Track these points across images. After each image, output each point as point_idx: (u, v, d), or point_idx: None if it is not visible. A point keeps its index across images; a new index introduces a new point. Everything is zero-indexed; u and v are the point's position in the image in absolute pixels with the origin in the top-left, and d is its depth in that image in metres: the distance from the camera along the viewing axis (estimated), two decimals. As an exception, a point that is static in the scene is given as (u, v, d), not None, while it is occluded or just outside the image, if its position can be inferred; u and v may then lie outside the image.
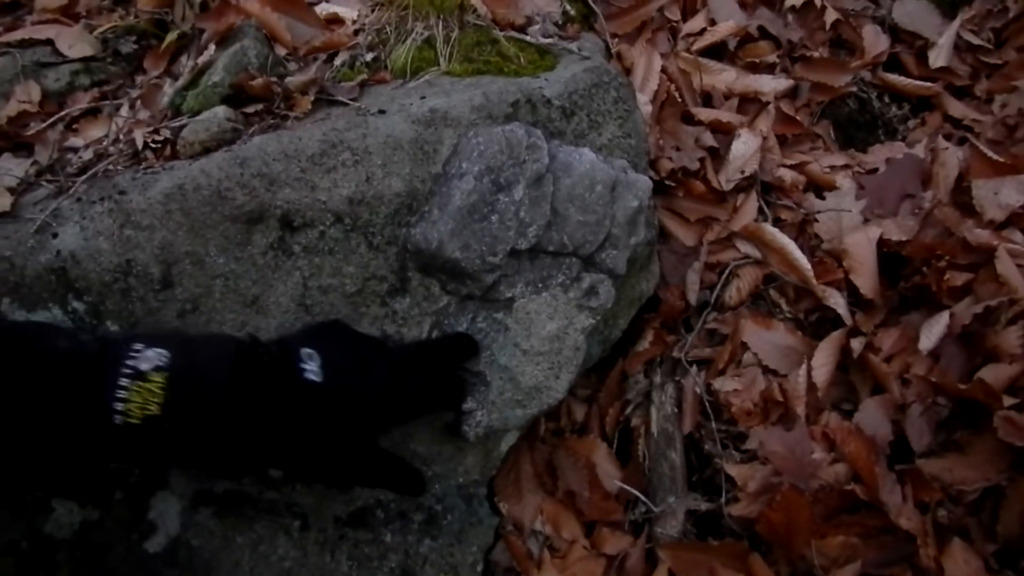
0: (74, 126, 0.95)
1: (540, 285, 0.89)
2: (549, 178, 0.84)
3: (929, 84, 1.30)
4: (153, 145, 0.90)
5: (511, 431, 0.96)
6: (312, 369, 0.71)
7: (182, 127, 0.88)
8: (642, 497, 0.97)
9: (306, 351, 0.73)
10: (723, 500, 0.92)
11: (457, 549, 0.95)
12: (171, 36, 1.00)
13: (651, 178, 0.95)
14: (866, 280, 1.05)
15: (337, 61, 0.98)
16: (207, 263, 0.81)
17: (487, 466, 0.97)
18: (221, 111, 0.87)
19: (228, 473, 0.76)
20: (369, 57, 0.98)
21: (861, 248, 1.07)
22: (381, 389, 0.74)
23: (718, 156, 1.16)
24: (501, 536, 0.99)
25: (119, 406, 0.62)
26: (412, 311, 0.88)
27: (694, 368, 1.04)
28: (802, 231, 1.13)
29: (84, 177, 0.83)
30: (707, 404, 1.00)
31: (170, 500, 0.86)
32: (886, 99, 1.32)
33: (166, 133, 0.90)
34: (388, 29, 0.98)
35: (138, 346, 0.64)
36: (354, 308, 0.87)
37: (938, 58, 1.32)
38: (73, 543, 0.81)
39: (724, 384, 1.01)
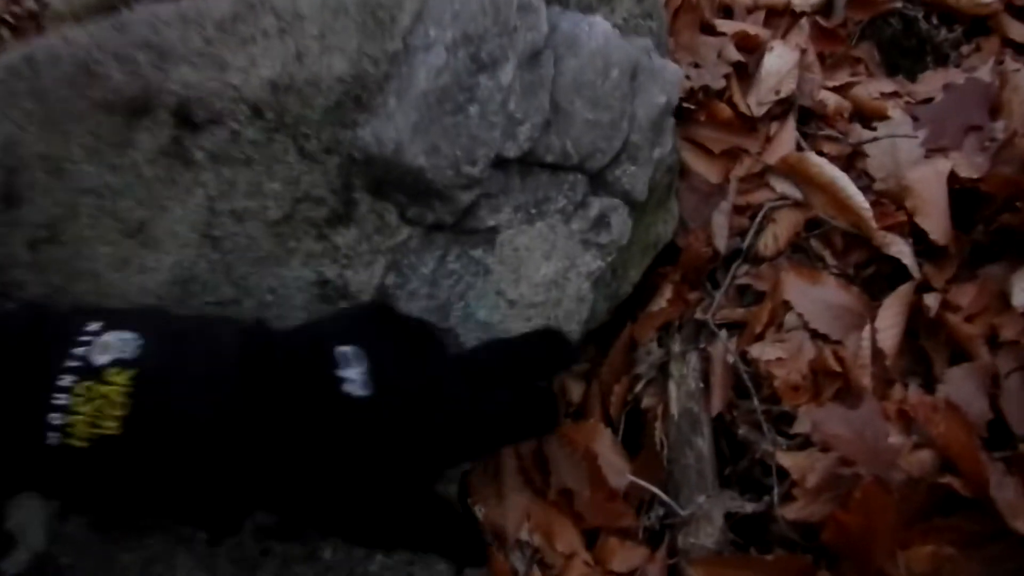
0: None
1: (534, 211, 0.66)
2: (549, 56, 0.61)
3: (986, 2, 1.09)
4: (11, 20, 0.67)
5: (492, 411, 0.73)
6: (355, 378, 0.50)
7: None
8: (662, 495, 0.75)
9: (346, 351, 0.51)
10: (773, 499, 0.70)
11: (419, 567, 0.73)
12: None
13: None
14: (937, 223, 0.84)
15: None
16: (69, 172, 0.60)
17: (460, 457, 0.75)
18: (98, -32, 0.64)
19: (209, 522, 0.51)
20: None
21: (928, 185, 0.86)
22: (456, 409, 0.52)
23: (745, 75, 0.95)
24: (478, 548, 0.77)
25: (56, 419, 0.42)
26: (360, 247, 0.66)
27: (723, 333, 0.82)
28: (849, 167, 0.91)
29: None
30: (745, 377, 0.77)
31: (32, 507, 0.68)
32: (934, 20, 1.12)
33: (29, 3, 0.67)
34: None
35: (92, 326, 0.46)
36: (279, 242, 0.65)
37: (997, -28, 1.12)
38: None
39: (763, 352, 0.79)
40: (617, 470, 0.79)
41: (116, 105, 0.58)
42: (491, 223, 0.65)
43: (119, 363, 0.44)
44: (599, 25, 0.63)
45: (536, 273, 0.67)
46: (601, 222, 0.68)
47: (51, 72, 0.57)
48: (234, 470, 0.46)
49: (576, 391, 0.87)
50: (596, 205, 0.67)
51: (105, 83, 0.57)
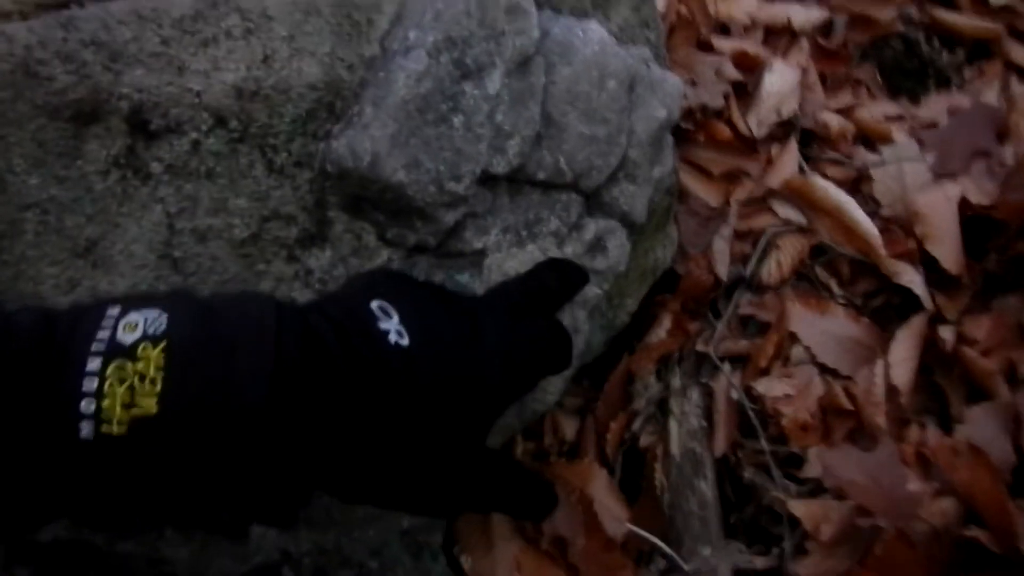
0: None
1: (524, 233, 0.60)
2: (540, 63, 0.56)
3: (988, 25, 1.06)
4: (-49, 21, 0.61)
5: (478, 451, 0.67)
6: (394, 328, 0.46)
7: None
8: (664, 547, 0.69)
9: (379, 304, 0.48)
10: (785, 553, 0.64)
11: None
12: None
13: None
14: (949, 251, 0.80)
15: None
16: (10, 184, 0.54)
17: (443, 502, 0.68)
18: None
19: (264, 514, 0.45)
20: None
21: (939, 210, 0.82)
22: (501, 349, 0.49)
23: (745, 95, 0.91)
24: (462, 603, 0.70)
25: (88, 406, 0.37)
26: (335, 270, 0.60)
27: (727, 366, 0.76)
28: (854, 192, 0.87)
29: None
30: (751, 415, 0.72)
31: None
32: (936, 42, 1.08)
33: (-29, 3, 0.61)
34: None
35: (112, 310, 0.41)
36: (247, 264, 0.59)
37: (1001, -7, 1.09)
38: None
39: (770, 388, 0.74)
40: (614, 516, 0.73)
41: (62, 110, 0.52)
42: (478, 246, 0.59)
43: (148, 339, 0.39)
44: (594, 31, 0.57)
45: (527, 301, 0.61)
46: (597, 246, 0.62)
47: (-12, 73, 0.51)
48: (288, 445, 0.41)
49: (570, 428, 0.80)
50: (592, 227, 0.62)
51: (49, 85, 0.51)
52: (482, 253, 0.59)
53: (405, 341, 0.46)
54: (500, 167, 0.56)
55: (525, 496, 0.54)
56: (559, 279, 0.59)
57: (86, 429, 0.36)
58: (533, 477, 0.56)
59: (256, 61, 0.55)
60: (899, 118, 0.97)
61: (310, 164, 0.57)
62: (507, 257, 0.60)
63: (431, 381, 0.46)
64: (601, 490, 0.75)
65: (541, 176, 0.58)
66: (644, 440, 0.77)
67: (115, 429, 0.37)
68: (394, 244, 0.59)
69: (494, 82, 0.54)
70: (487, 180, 0.57)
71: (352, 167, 0.54)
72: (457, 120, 0.54)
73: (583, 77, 0.57)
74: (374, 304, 0.47)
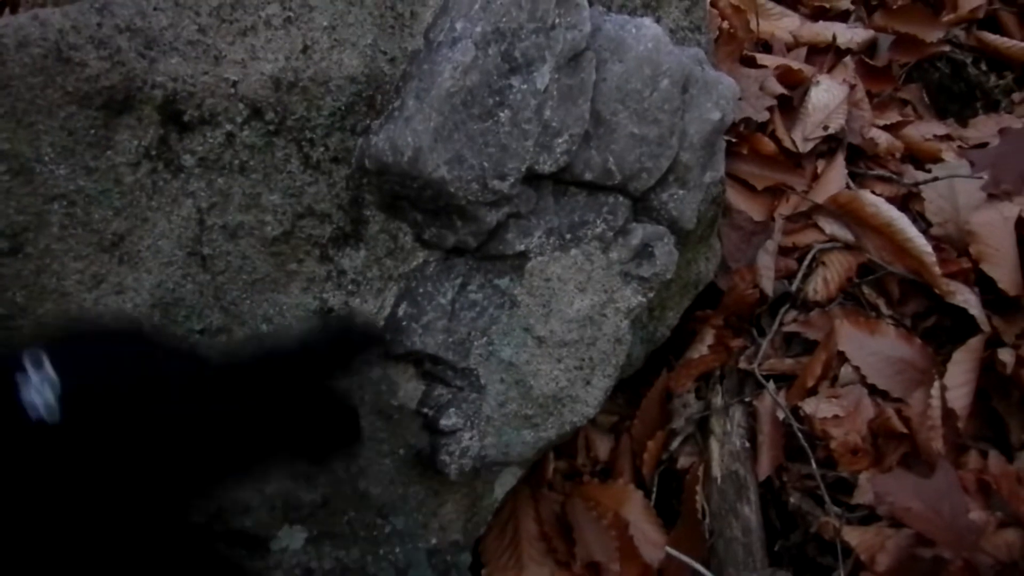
0: None
1: (568, 237, 0.58)
2: (591, 59, 0.54)
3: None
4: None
5: (511, 466, 0.64)
6: (42, 402, 0.42)
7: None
8: (707, 573, 0.65)
9: (36, 360, 0.43)
10: (839, 581, 0.60)
11: None
12: None
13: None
14: (1006, 271, 0.76)
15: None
16: (37, 174, 0.52)
17: (473, 520, 0.66)
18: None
19: None
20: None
21: (995, 230, 0.78)
22: (171, 424, 0.45)
23: (789, 110, 0.88)
24: (491, 627, 0.67)
25: None
26: (369, 271, 0.57)
27: (771, 385, 0.73)
28: (902, 211, 0.83)
29: None
30: (800, 436, 0.68)
31: None
32: (983, 65, 1.05)
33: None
34: None
35: None
36: (278, 263, 0.57)
37: (1047, 18, 1.06)
38: None
39: (818, 408, 0.70)
40: (651, 541, 0.70)
41: (93, 97, 0.50)
42: (520, 248, 0.56)
43: None
44: (648, 28, 0.55)
45: (569, 308, 0.59)
46: (644, 252, 0.59)
47: (19, 57, 0.49)
48: None
49: (603, 447, 0.77)
50: (639, 232, 0.59)
51: (81, 71, 0.50)
52: (524, 256, 0.57)
53: (52, 419, 0.42)
54: (546, 166, 0.54)
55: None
56: (332, 343, 0.53)
57: None
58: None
59: (295, 51, 0.53)
60: (947, 138, 0.94)
61: (347, 160, 0.55)
62: (550, 261, 0.58)
63: (80, 455, 0.43)
64: (637, 513, 0.72)
65: (588, 177, 0.56)
66: (682, 461, 0.74)
67: None
68: (431, 245, 0.57)
69: (543, 77, 0.52)
70: (532, 179, 0.55)
71: (392, 162, 0.52)
72: (503, 115, 0.52)
73: (635, 75, 0.55)
74: (31, 356, 0.44)
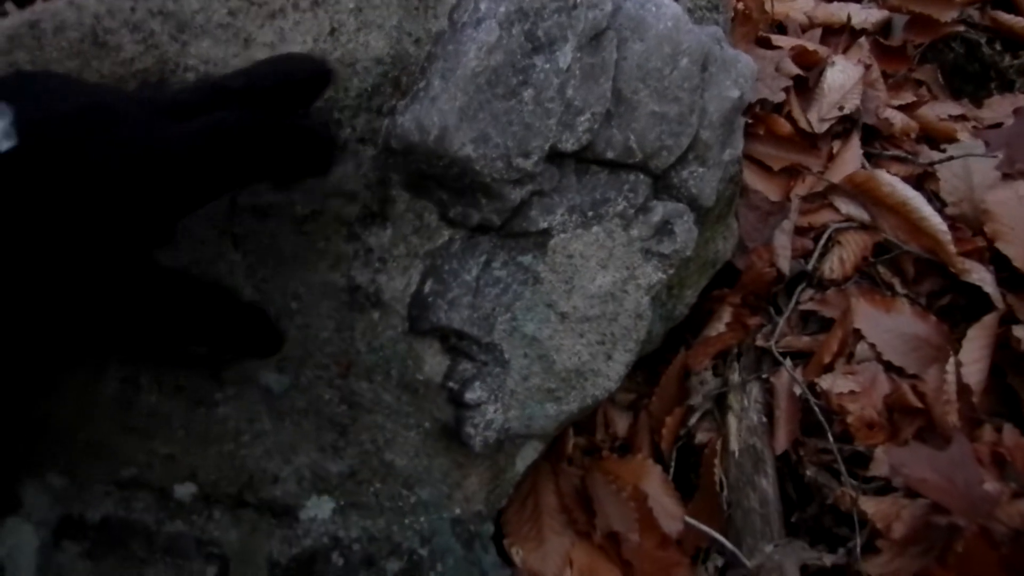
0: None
1: (590, 214, 0.59)
2: (612, 38, 0.55)
3: (1054, 28, 1.03)
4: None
5: (533, 440, 0.66)
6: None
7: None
8: (725, 542, 0.66)
9: None
10: (855, 551, 0.61)
11: None
12: None
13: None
14: (1020, 249, 0.77)
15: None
16: None
17: (496, 492, 0.67)
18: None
19: None
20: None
21: (1010, 209, 0.79)
22: (133, 139, 0.42)
23: (805, 90, 0.89)
24: (514, 596, 0.68)
25: None
26: (395, 249, 0.59)
27: (788, 362, 0.74)
28: (917, 190, 0.84)
29: None
30: (817, 411, 0.69)
31: (24, 531, 0.61)
32: (998, 45, 1.05)
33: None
34: None
35: None
36: (307, 243, 0.57)
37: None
38: None
39: (834, 384, 0.71)
40: (670, 513, 0.71)
41: (128, 80, 0.52)
42: (543, 225, 0.58)
43: None
44: (668, 7, 0.56)
45: (591, 284, 0.60)
46: (664, 229, 0.61)
47: (56, 41, 0.51)
48: None
49: (622, 423, 0.78)
50: (659, 210, 0.60)
51: (116, 55, 0.51)
52: (547, 233, 0.58)
53: (8, 144, 0.40)
54: (569, 144, 0.55)
55: (207, 318, 0.49)
56: (274, 73, 0.50)
57: None
58: (226, 301, 0.51)
59: (323, 34, 0.54)
60: (962, 118, 0.95)
61: (374, 140, 0.56)
62: (572, 238, 0.59)
63: (44, 182, 0.40)
64: (656, 486, 0.73)
65: (610, 155, 0.57)
66: (700, 436, 0.75)
67: None
68: (456, 224, 0.58)
69: (565, 56, 0.53)
70: (555, 157, 0.56)
71: (418, 141, 0.53)
72: (527, 94, 0.53)
73: (655, 53, 0.56)
74: None
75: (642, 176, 0.59)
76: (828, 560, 0.62)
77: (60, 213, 0.41)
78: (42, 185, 0.40)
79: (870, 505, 0.63)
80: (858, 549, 0.61)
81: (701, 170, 0.60)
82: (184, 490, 0.63)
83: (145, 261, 0.46)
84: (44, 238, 0.40)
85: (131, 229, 0.43)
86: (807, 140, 0.86)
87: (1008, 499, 0.62)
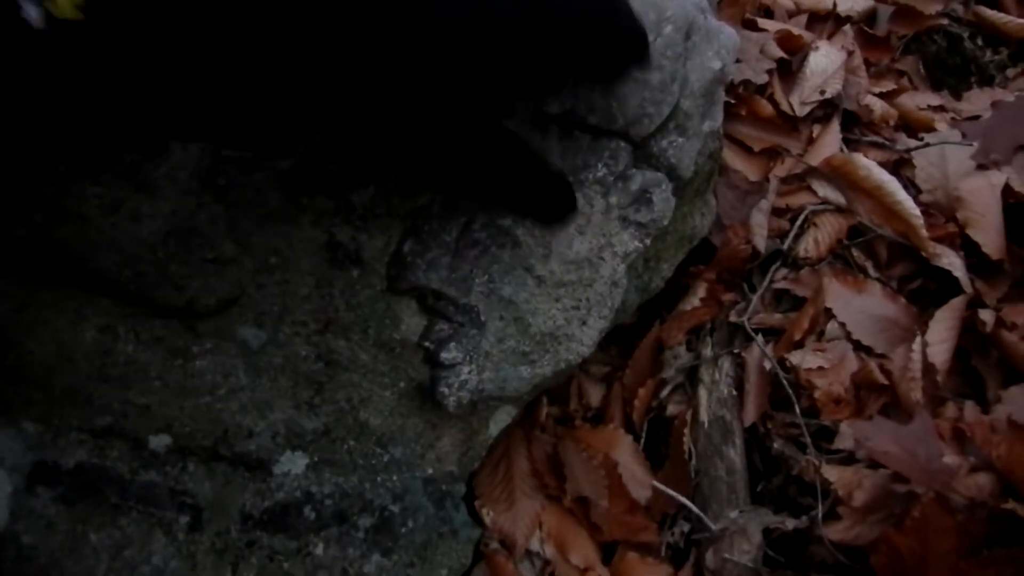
0: None
1: (571, 179, 0.60)
2: None
3: (1036, 25, 1.05)
4: None
5: (507, 403, 0.67)
6: None
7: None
8: (692, 507, 0.68)
9: None
10: (817, 517, 0.63)
11: (419, 570, 0.65)
12: None
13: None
14: (990, 236, 0.78)
15: None
16: None
17: (468, 455, 0.68)
18: None
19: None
20: None
21: (982, 197, 0.80)
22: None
23: (788, 74, 0.90)
24: (483, 555, 0.70)
25: None
26: (377, 207, 0.60)
27: (760, 338, 0.76)
28: (895, 176, 0.85)
29: None
30: (785, 385, 0.71)
31: None
32: (980, 40, 1.06)
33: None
34: None
35: None
36: (289, 196, 0.58)
37: (1045, -5, 1.07)
38: None
39: (804, 360, 0.72)
40: (639, 480, 0.72)
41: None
42: (523, 188, 0.58)
43: None
44: (654, -24, 0.57)
45: (568, 249, 0.61)
46: (642, 198, 0.62)
47: None
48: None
49: (595, 394, 0.80)
50: (638, 178, 0.61)
51: None
52: (527, 197, 0.59)
53: None
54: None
55: (538, 186, 0.50)
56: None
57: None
58: (551, 172, 0.51)
59: None
60: (941, 109, 0.96)
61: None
62: (551, 203, 0.60)
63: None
64: (626, 455, 0.74)
65: (592, 120, 0.58)
66: (671, 408, 0.76)
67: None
68: (438, 184, 0.59)
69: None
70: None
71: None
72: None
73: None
74: None
75: (623, 143, 0.60)
76: (791, 524, 0.64)
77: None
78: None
79: (833, 473, 0.64)
80: (820, 515, 0.63)
81: (680, 140, 0.61)
82: (159, 441, 0.63)
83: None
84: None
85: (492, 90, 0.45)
86: (788, 123, 0.88)
87: (967, 472, 0.63)
